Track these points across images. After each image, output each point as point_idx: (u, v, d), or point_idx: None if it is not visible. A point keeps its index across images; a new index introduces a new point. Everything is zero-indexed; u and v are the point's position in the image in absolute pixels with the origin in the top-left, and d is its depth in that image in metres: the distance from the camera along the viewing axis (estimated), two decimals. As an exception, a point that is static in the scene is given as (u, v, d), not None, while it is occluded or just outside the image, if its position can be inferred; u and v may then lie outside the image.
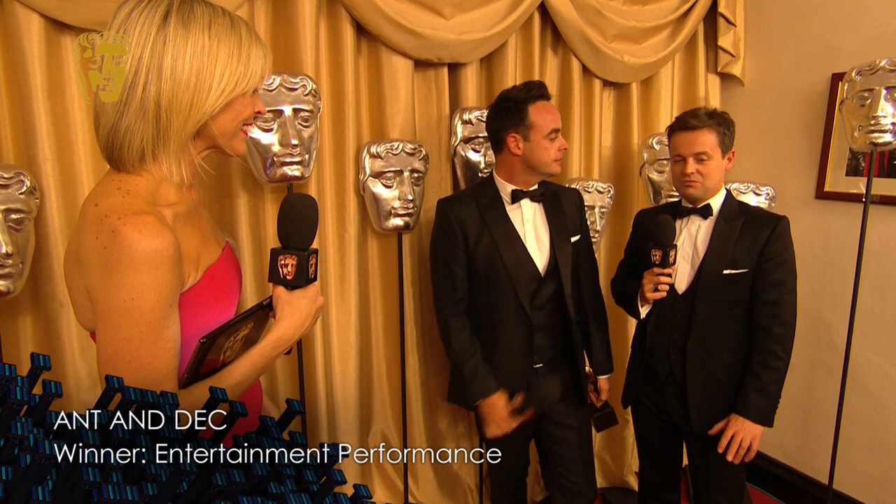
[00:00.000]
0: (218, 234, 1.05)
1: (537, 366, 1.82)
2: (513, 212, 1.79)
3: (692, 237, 1.77)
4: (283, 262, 0.94)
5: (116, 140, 0.86)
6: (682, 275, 1.77)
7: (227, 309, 0.96)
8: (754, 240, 1.69)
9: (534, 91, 1.73)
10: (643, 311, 1.82)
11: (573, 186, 2.20)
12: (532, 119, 1.71)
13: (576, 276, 1.87)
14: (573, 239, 1.85)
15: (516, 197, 1.77)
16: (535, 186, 1.81)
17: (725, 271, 1.69)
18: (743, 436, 1.67)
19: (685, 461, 2.02)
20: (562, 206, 1.84)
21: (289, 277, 0.95)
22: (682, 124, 1.73)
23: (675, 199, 1.87)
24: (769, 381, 1.68)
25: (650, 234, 1.73)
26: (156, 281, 0.80)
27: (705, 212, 1.74)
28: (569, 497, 1.92)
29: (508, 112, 1.74)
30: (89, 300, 0.84)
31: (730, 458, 1.69)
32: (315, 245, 0.99)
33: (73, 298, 0.89)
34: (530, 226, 1.79)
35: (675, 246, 1.71)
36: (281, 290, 0.95)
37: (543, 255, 1.79)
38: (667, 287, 1.71)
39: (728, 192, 1.78)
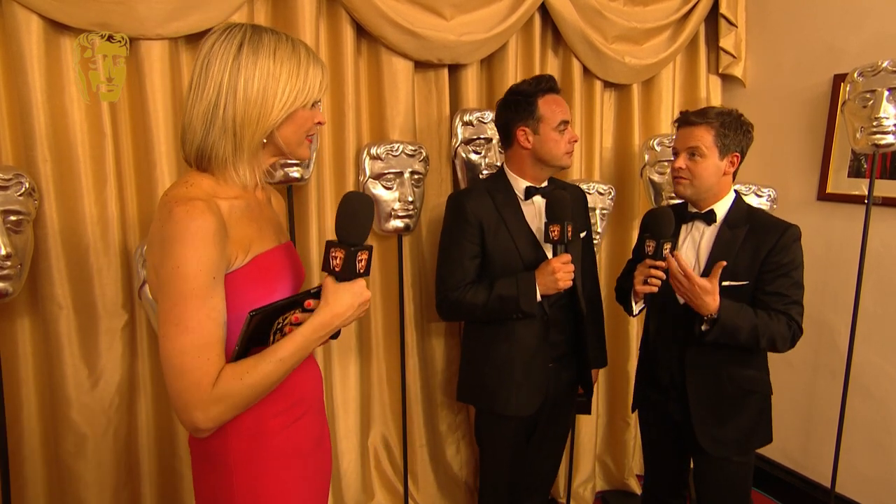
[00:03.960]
0: (280, 233, 1.18)
1: (549, 364, 1.80)
2: (527, 207, 1.78)
3: (695, 244, 1.70)
4: (333, 254, 1.04)
5: (206, 153, 1.02)
6: None
7: (271, 297, 1.05)
8: (756, 250, 1.61)
9: (543, 84, 1.73)
10: (636, 308, 1.76)
11: (574, 188, 2.20)
12: (541, 112, 1.70)
13: (583, 272, 1.88)
14: (581, 235, 1.87)
15: (530, 193, 1.77)
16: (546, 183, 1.80)
17: (724, 283, 1.60)
18: (698, 284, 1.53)
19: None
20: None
21: (337, 269, 1.04)
22: (683, 119, 1.69)
23: (678, 202, 1.83)
24: (767, 317, 1.57)
25: (647, 224, 1.68)
26: (197, 253, 0.93)
27: (709, 217, 1.67)
28: (531, 484, 1.97)
29: (517, 105, 1.73)
30: (155, 274, 0.98)
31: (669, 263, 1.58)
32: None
33: (149, 276, 1.05)
34: (543, 221, 1.78)
35: (672, 240, 1.64)
36: (329, 280, 1.06)
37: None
38: (658, 281, 1.64)
39: (737, 196, 1.71)
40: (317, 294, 1.06)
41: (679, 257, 1.57)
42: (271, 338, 1.03)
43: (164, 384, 0.96)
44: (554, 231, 1.63)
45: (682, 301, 1.61)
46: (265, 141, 1.05)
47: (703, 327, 1.58)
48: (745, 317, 1.56)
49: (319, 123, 1.11)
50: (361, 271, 1.05)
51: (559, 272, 1.64)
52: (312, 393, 1.18)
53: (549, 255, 1.74)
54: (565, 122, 1.72)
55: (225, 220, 0.99)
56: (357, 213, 1.05)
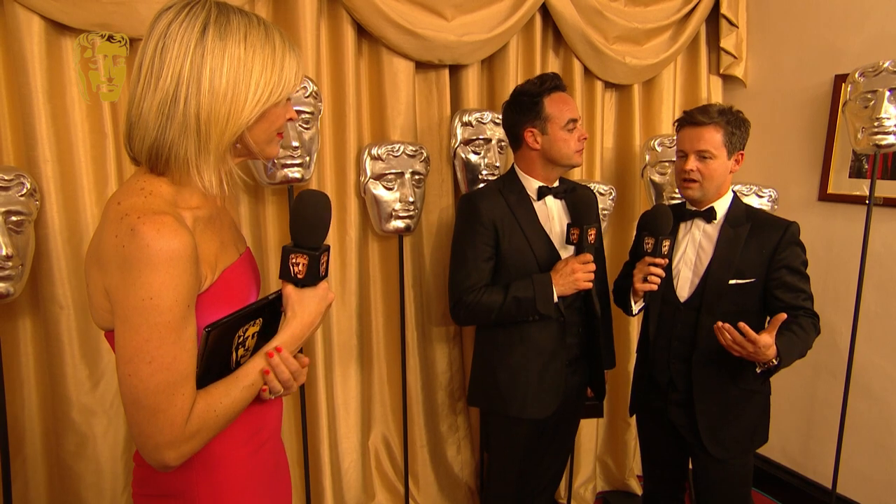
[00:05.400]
0: (238, 240, 1.07)
1: (565, 367, 1.79)
2: (539, 208, 1.76)
3: (695, 243, 1.70)
4: (294, 260, 0.95)
5: (162, 153, 0.86)
6: (683, 282, 1.71)
7: None
8: (762, 247, 1.62)
9: (548, 83, 1.71)
10: (635, 308, 1.76)
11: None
12: (548, 111, 1.69)
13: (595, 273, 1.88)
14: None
15: (542, 193, 1.76)
16: (557, 182, 1.79)
17: (732, 281, 1.62)
18: (763, 344, 1.42)
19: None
20: None
21: (300, 276, 0.95)
22: (689, 119, 1.66)
23: (678, 202, 1.82)
24: (802, 330, 1.54)
25: (645, 222, 1.67)
26: (173, 280, 0.81)
27: (709, 216, 1.67)
28: (537, 486, 1.96)
29: (524, 106, 1.72)
30: (107, 299, 0.85)
31: (721, 336, 1.49)
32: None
33: (91, 297, 0.89)
34: (556, 222, 1.78)
35: (671, 237, 1.64)
36: (291, 288, 0.97)
37: (569, 251, 1.76)
38: (657, 279, 1.64)
39: (735, 195, 1.72)
40: (277, 301, 0.98)
41: (744, 328, 1.45)
42: (234, 354, 0.93)
43: (128, 421, 0.85)
44: (574, 234, 1.62)
45: (737, 355, 1.52)
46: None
47: (757, 370, 1.53)
48: (796, 346, 1.52)
49: (291, 119, 0.99)
50: (323, 274, 0.97)
51: (579, 272, 1.63)
52: (275, 415, 1.10)
53: (564, 256, 1.72)
54: (573, 121, 1.70)
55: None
56: (317, 213, 0.95)
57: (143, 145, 0.87)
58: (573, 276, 1.63)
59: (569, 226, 1.65)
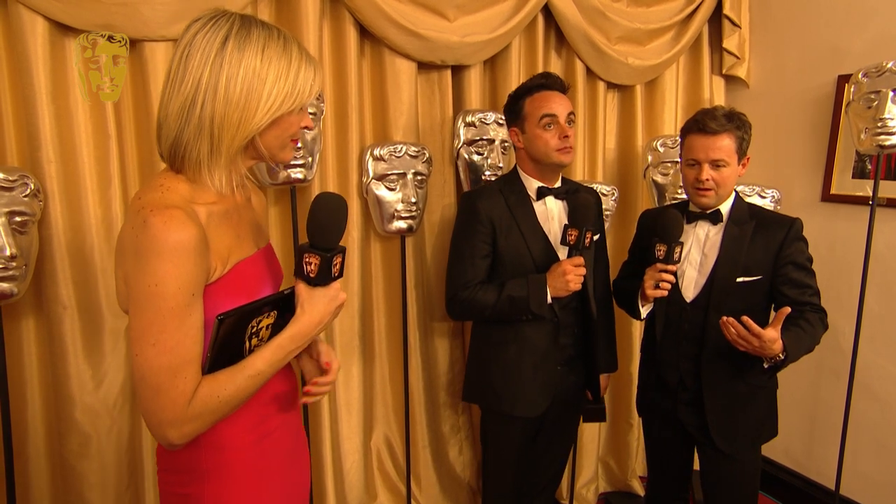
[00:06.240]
0: (259, 235, 1.11)
1: (558, 367, 1.79)
2: (539, 208, 1.77)
3: (700, 243, 1.70)
4: (307, 259, 0.98)
5: (178, 151, 0.94)
6: (688, 282, 1.71)
7: None
8: (767, 244, 1.62)
9: (534, 81, 1.73)
10: (644, 311, 1.76)
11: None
12: (526, 110, 1.71)
13: (595, 275, 1.87)
14: (595, 238, 1.85)
15: (542, 194, 1.77)
16: (559, 184, 1.80)
17: (739, 279, 1.62)
18: (768, 338, 1.43)
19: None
20: None
21: (311, 275, 0.98)
22: (699, 127, 1.62)
23: (679, 202, 1.82)
24: (809, 325, 1.55)
25: (656, 228, 1.66)
26: (178, 270, 0.86)
27: (715, 217, 1.67)
28: (536, 486, 1.96)
29: (508, 107, 1.78)
30: (126, 285, 0.92)
31: (726, 331, 1.50)
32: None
33: (117, 282, 0.99)
34: (556, 223, 1.78)
35: (682, 243, 1.63)
36: (302, 286, 1.00)
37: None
38: (668, 285, 1.63)
39: (737, 194, 1.72)
40: (290, 296, 1.01)
41: (748, 322, 1.45)
42: (246, 343, 0.97)
43: (137, 399, 0.91)
44: (571, 235, 1.63)
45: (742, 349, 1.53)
46: (245, 145, 0.98)
47: (764, 365, 1.54)
48: (803, 341, 1.53)
49: (305, 128, 1.03)
50: (336, 275, 1.00)
51: (570, 274, 1.63)
52: (287, 404, 1.13)
53: (562, 257, 1.73)
54: (548, 116, 1.68)
55: (203, 228, 0.92)
56: (331, 216, 0.98)
57: (166, 144, 0.95)
58: (564, 277, 1.64)
59: (565, 226, 1.66)
